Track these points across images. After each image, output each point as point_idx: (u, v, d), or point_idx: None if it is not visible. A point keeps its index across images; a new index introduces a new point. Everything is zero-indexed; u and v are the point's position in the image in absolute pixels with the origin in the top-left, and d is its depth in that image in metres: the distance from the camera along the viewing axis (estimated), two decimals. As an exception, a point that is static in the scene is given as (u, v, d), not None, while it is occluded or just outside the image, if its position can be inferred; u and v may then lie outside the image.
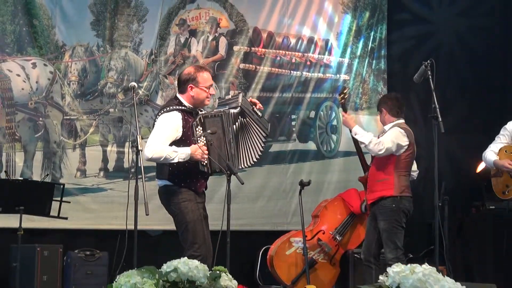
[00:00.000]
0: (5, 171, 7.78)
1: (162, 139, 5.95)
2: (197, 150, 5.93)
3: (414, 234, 9.43)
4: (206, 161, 5.98)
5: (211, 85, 6.26)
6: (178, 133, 6.00)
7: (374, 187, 7.22)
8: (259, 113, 6.37)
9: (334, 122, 9.69)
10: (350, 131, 7.28)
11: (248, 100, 6.45)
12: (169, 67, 8.84)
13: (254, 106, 6.36)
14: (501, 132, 7.35)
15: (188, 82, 6.13)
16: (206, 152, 5.96)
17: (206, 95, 6.15)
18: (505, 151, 7.22)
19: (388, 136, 7.10)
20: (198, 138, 5.98)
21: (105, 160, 8.63)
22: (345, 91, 7.47)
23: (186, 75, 6.20)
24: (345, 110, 7.43)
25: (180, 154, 5.90)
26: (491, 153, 7.30)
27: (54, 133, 8.40)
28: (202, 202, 6.23)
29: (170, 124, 6.01)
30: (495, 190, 7.44)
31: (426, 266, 3.93)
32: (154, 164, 6.29)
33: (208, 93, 6.16)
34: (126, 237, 6.26)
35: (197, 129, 6.01)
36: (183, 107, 6.10)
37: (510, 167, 7.10)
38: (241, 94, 6.76)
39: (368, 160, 7.47)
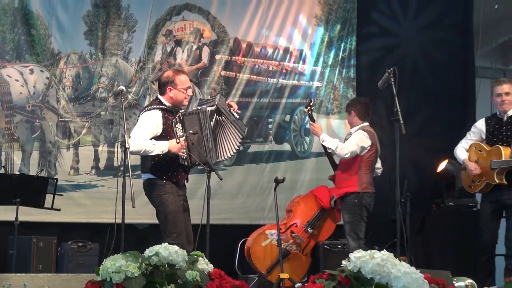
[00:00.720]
0: (3, 166, 7.78)
1: (142, 134, 6.04)
2: (176, 144, 6.02)
3: (380, 229, 9.50)
4: (185, 155, 6.07)
5: (189, 87, 6.34)
6: (158, 129, 6.09)
7: (341, 183, 7.38)
8: (236, 116, 6.44)
9: (308, 125, 9.68)
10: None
11: (226, 102, 6.54)
12: (156, 74, 8.83)
13: (231, 108, 6.45)
14: (472, 129, 7.49)
15: (167, 84, 6.25)
16: (185, 146, 6.04)
17: (184, 96, 6.25)
18: (474, 148, 7.37)
19: (353, 140, 7.25)
20: (181, 138, 6.06)
21: (96, 159, 8.62)
22: (311, 104, 7.54)
23: (165, 78, 6.31)
24: (312, 120, 7.50)
25: (158, 147, 6.00)
26: (461, 150, 7.44)
27: (50, 133, 8.40)
28: (183, 195, 6.30)
29: (150, 121, 6.11)
30: (464, 184, 7.57)
31: (384, 252, 4.02)
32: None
33: (185, 94, 6.26)
34: (115, 230, 6.29)
35: (176, 126, 6.10)
36: (163, 106, 6.20)
37: (474, 172, 7.24)
38: (218, 94, 6.87)
39: (337, 160, 7.57)
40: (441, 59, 10.47)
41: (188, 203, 6.44)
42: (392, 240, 8.18)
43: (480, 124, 7.45)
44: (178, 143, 6.02)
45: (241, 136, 6.45)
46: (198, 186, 8.32)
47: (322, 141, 7.32)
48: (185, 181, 6.36)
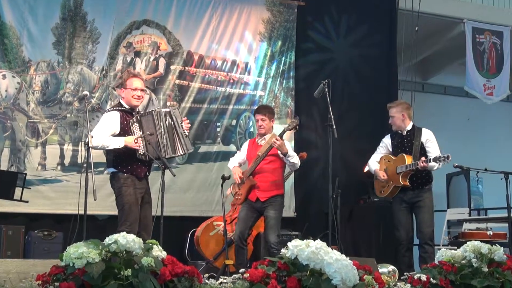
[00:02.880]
0: (-25, 162, 7.67)
1: (101, 131, 6.01)
2: (131, 140, 5.96)
3: (314, 221, 9.54)
4: (142, 151, 6.00)
5: (138, 88, 6.20)
6: (116, 127, 6.05)
7: (267, 187, 7.09)
8: (186, 133, 6.29)
9: (251, 129, 9.69)
10: (285, 154, 6.89)
11: (183, 118, 6.39)
12: (117, 81, 8.66)
13: (183, 121, 6.30)
14: (381, 144, 7.73)
15: (119, 86, 6.29)
16: (140, 143, 5.98)
17: (132, 95, 6.18)
18: (384, 159, 7.61)
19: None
20: (139, 139, 6.00)
21: (62, 156, 8.51)
22: (295, 125, 7.09)
23: (118, 81, 6.37)
24: (281, 137, 6.96)
25: (114, 142, 5.98)
26: (373, 162, 7.70)
27: (20, 133, 8.27)
28: (143, 188, 6.22)
29: (108, 120, 6.08)
30: (375, 190, 7.78)
31: (318, 241, 4.02)
32: (103, 160, 6.29)
33: (134, 94, 6.18)
34: (78, 220, 6.19)
35: (133, 125, 6.06)
36: (122, 108, 6.15)
37: (382, 178, 7.44)
38: (176, 105, 6.79)
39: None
40: (369, 72, 10.56)
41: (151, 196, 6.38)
42: (325, 231, 8.21)
43: (387, 140, 7.71)
44: (136, 143, 5.97)
45: (182, 153, 6.33)
46: (153, 182, 8.11)
47: (288, 156, 6.91)
48: (146, 174, 6.28)
